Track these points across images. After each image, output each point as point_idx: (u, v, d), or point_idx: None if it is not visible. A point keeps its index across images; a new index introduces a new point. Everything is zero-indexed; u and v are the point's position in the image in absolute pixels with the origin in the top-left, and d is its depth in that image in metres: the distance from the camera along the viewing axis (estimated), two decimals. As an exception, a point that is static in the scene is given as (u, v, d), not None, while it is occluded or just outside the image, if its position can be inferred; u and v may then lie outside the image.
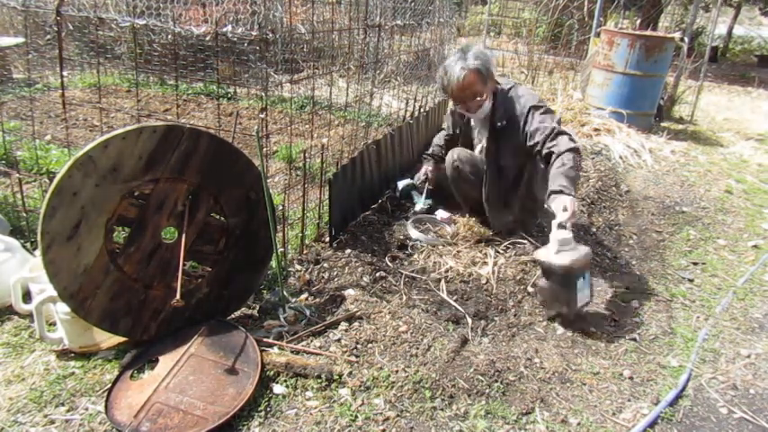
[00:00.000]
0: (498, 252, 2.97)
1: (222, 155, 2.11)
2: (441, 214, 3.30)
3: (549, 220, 2.76)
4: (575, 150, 2.56)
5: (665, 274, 3.05)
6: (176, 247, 2.05)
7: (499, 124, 2.85)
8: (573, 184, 2.49)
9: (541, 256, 2.44)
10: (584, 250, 2.44)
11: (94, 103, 4.60)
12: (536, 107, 2.76)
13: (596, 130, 5.27)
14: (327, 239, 2.84)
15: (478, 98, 2.79)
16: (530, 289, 2.73)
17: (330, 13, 5.41)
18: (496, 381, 2.06)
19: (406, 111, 4.00)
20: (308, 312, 2.31)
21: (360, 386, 1.95)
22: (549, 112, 2.77)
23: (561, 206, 2.43)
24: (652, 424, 1.96)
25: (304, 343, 2.15)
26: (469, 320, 2.41)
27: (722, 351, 2.42)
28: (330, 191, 2.75)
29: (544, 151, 2.65)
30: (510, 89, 2.86)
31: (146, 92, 5.56)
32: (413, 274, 2.72)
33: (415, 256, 2.91)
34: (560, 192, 2.45)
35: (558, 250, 2.39)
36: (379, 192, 3.46)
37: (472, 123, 3.15)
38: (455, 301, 2.54)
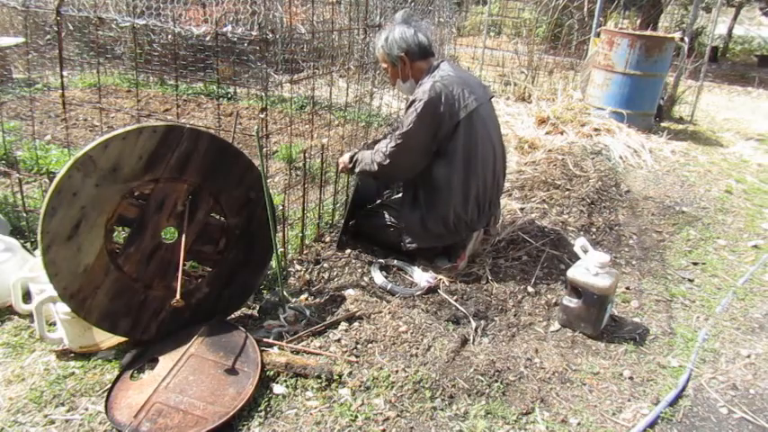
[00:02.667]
0: (495, 255, 2.97)
1: (222, 155, 2.11)
2: (419, 276, 2.70)
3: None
4: (378, 160, 2.67)
5: (665, 274, 3.05)
6: (176, 247, 2.05)
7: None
8: (361, 159, 2.76)
9: (579, 277, 2.40)
10: (615, 273, 2.45)
11: (94, 103, 4.61)
12: (411, 103, 2.60)
13: (596, 130, 5.27)
14: (330, 241, 2.84)
15: (388, 75, 2.83)
16: (530, 289, 2.73)
17: (330, 13, 5.40)
18: (496, 381, 2.06)
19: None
20: (307, 312, 2.31)
21: (360, 386, 1.95)
22: (410, 114, 2.57)
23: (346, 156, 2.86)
24: (652, 424, 1.96)
25: (304, 343, 2.15)
26: (470, 320, 2.41)
27: (722, 351, 2.42)
28: (352, 195, 2.80)
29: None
30: (429, 76, 2.66)
31: (146, 92, 5.56)
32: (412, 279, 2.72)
33: (417, 262, 2.91)
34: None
35: (598, 272, 2.39)
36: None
37: None
38: (455, 300, 2.54)
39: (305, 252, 2.75)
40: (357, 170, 2.79)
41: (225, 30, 2.54)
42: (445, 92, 2.55)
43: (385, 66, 2.77)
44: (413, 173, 2.73)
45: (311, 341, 2.16)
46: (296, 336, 2.17)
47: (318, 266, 2.65)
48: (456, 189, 2.64)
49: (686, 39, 6.45)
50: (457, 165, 2.62)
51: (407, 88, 2.77)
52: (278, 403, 1.88)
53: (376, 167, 2.68)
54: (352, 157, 2.83)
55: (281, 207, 2.65)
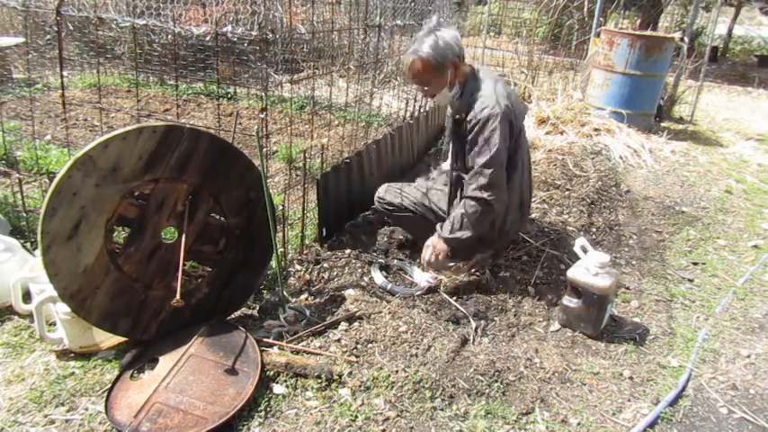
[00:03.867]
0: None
1: (222, 155, 2.11)
2: (419, 276, 2.70)
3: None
4: (475, 199, 2.46)
5: (665, 274, 3.05)
6: (176, 247, 2.05)
7: (457, 116, 2.59)
8: (451, 228, 2.51)
9: (579, 277, 2.40)
10: (615, 273, 2.45)
11: (94, 103, 4.61)
12: (486, 121, 2.44)
13: (596, 130, 5.27)
14: (319, 240, 2.84)
15: (426, 87, 2.57)
16: (530, 289, 2.73)
17: (330, 13, 5.41)
18: (496, 381, 2.06)
19: (405, 111, 4.01)
20: (307, 312, 2.31)
21: (360, 386, 1.95)
22: (492, 133, 2.43)
23: (426, 243, 2.58)
24: (652, 424, 1.96)
25: (304, 343, 2.15)
26: (470, 320, 2.41)
27: (722, 351, 2.42)
28: (318, 192, 2.75)
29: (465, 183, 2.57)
30: (479, 81, 2.55)
31: (146, 92, 5.56)
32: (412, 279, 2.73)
33: (418, 261, 2.91)
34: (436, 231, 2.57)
35: (598, 272, 2.39)
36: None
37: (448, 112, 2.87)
38: (455, 300, 2.54)
39: (305, 252, 2.75)
40: (462, 243, 2.52)
41: (225, 30, 2.55)
42: (511, 101, 2.50)
43: (425, 77, 2.51)
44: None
45: (311, 341, 2.16)
46: (296, 336, 2.17)
47: (318, 266, 2.65)
48: (513, 193, 2.62)
49: (686, 39, 6.45)
50: (515, 171, 2.60)
51: (450, 97, 2.59)
52: (278, 403, 1.88)
53: (484, 214, 2.46)
54: (447, 240, 2.53)
55: (281, 207, 2.65)
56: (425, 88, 2.59)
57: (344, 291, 2.50)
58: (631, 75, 5.60)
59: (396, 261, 2.81)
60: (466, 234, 2.48)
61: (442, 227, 2.56)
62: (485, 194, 2.44)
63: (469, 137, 2.49)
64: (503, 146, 2.45)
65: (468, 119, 2.50)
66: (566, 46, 8.03)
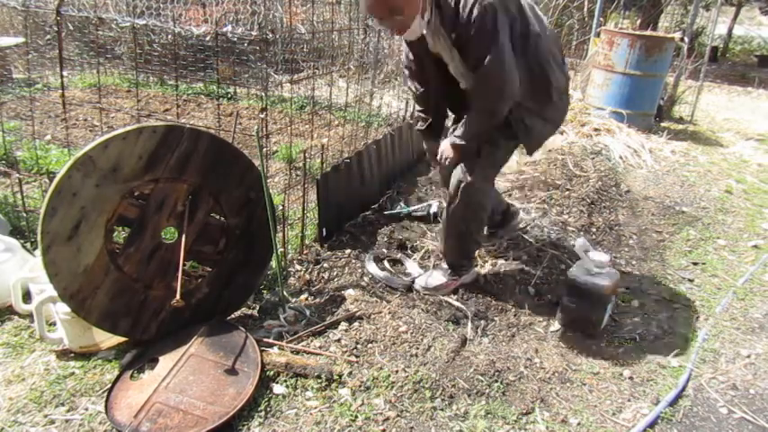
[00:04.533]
0: (495, 255, 2.97)
1: (222, 155, 2.11)
2: (412, 267, 2.78)
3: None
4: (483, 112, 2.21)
5: (665, 274, 3.05)
6: (176, 248, 2.05)
7: (453, 35, 2.20)
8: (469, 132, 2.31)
9: (579, 277, 2.40)
10: (615, 273, 2.44)
11: (94, 103, 4.61)
12: (470, 20, 2.09)
13: (596, 130, 5.27)
14: (319, 240, 2.85)
15: (398, 17, 2.13)
16: (530, 289, 2.73)
17: (330, 13, 5.41)
18: (496, 381, 2.06)
19: (405, 111, 4.01)
20: (307, 312, 2.31)
21: (360, 386, 1.95)
22: (486, 24, 2.07)
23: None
24: (652, 424, 1.96)
25: (304, 343, 2.15)
26: (469, 320, 2.41)
27: (722, 351, 2.42)
28: (318, 192, 2.75)
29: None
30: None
31: (146, 92, 5.56)
32: (412, 276, 2.72)
33: (415, 255, 2.91)
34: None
35: (598, 272, 2.38)
36: (379, 193, 3.46)
37: (430, 44, 2.38)
38: (455, 301, 2.54)
39: (305, 252, 2.75)
40: (473, 139, 2.31)
41: (225, 30, 2.55)
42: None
43: (399, 3, 2.10)
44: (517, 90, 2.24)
45: (311, 341, 2.16)
46: (296, 336, 2.17)
47: (318, 266, 2.65)
48: (556, 56, 2.36)
49: (686, 39, 6.46)
50: (542, 33, 2.28)
51: (424, 24, 2.22)
52: (278, 403, 1.88)
53: (501, 104, 2.16)
54: (463, 136, 2.32)
55: (281, 207, 2.65)
56: (397, 18, 2.14)
57: (344, 291, 2.50)
58: (631, 75, 5.60)
59: (388, 252, 2.82)
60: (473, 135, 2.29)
61: (455, 131, 2.38)
62: (494, 105, 2.18)
63: (466, 35, 2.13)
64: (505, 35, 2.11)
65: (460, 20, 2.11)
66: (566, 46, 8.03)
